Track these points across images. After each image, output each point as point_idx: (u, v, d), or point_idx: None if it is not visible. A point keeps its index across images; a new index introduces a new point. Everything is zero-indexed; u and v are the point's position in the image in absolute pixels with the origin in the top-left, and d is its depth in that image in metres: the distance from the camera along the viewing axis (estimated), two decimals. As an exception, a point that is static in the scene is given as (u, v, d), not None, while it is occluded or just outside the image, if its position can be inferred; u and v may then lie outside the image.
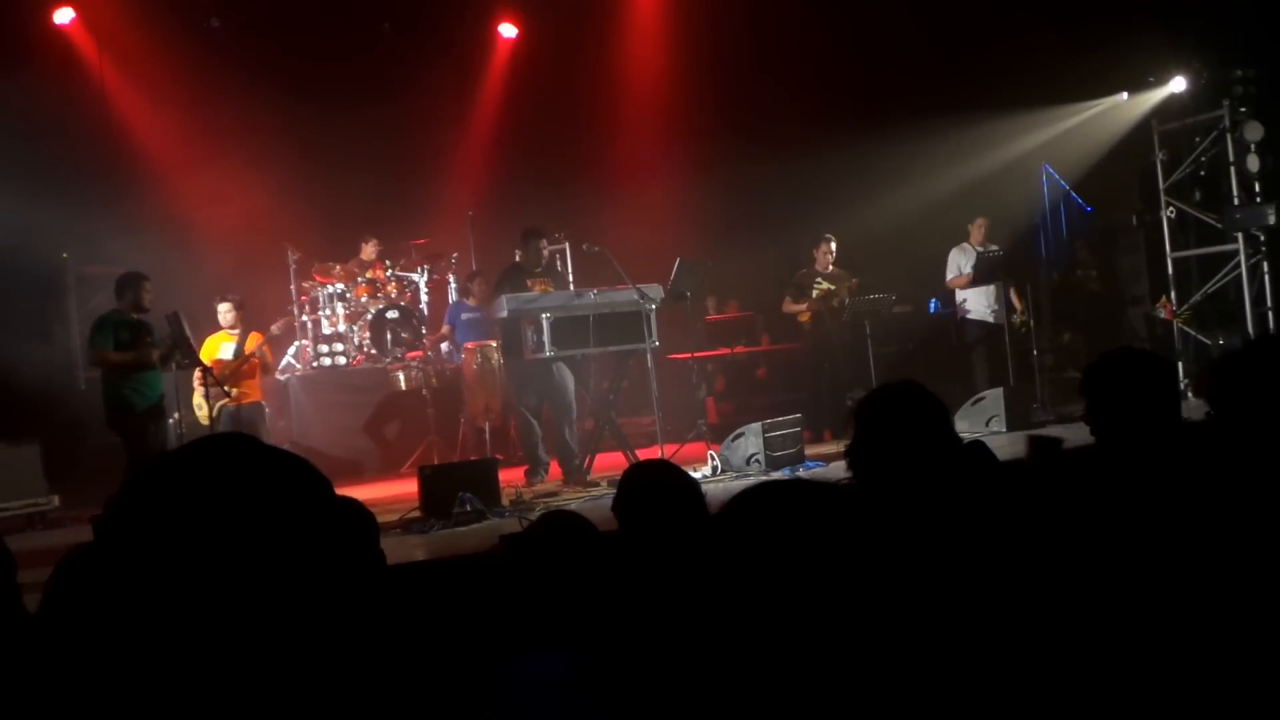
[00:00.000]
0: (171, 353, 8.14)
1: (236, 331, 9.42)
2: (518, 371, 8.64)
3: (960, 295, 10.81)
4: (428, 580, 5.33)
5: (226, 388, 9.02)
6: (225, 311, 9.47)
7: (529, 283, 8.66)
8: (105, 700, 1.04)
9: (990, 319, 10.61)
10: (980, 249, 10.69)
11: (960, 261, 10.78)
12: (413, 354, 11.16)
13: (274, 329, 9.90)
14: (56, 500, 9.14)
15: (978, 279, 10.55)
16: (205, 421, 9.15)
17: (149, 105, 11.68)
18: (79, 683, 1.05)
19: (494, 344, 10.21)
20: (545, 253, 9.04)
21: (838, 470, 7.52)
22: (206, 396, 9.08)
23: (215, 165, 11.53)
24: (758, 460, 8.05)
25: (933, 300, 12.24)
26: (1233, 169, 11.56)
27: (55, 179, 10.23)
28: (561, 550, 2.81)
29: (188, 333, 8.14)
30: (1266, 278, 11.48)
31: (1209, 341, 11.48)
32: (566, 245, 11.83)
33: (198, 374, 8.79)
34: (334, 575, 1.07)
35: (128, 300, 8.08)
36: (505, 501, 7.23)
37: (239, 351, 9.30)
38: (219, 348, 9.38)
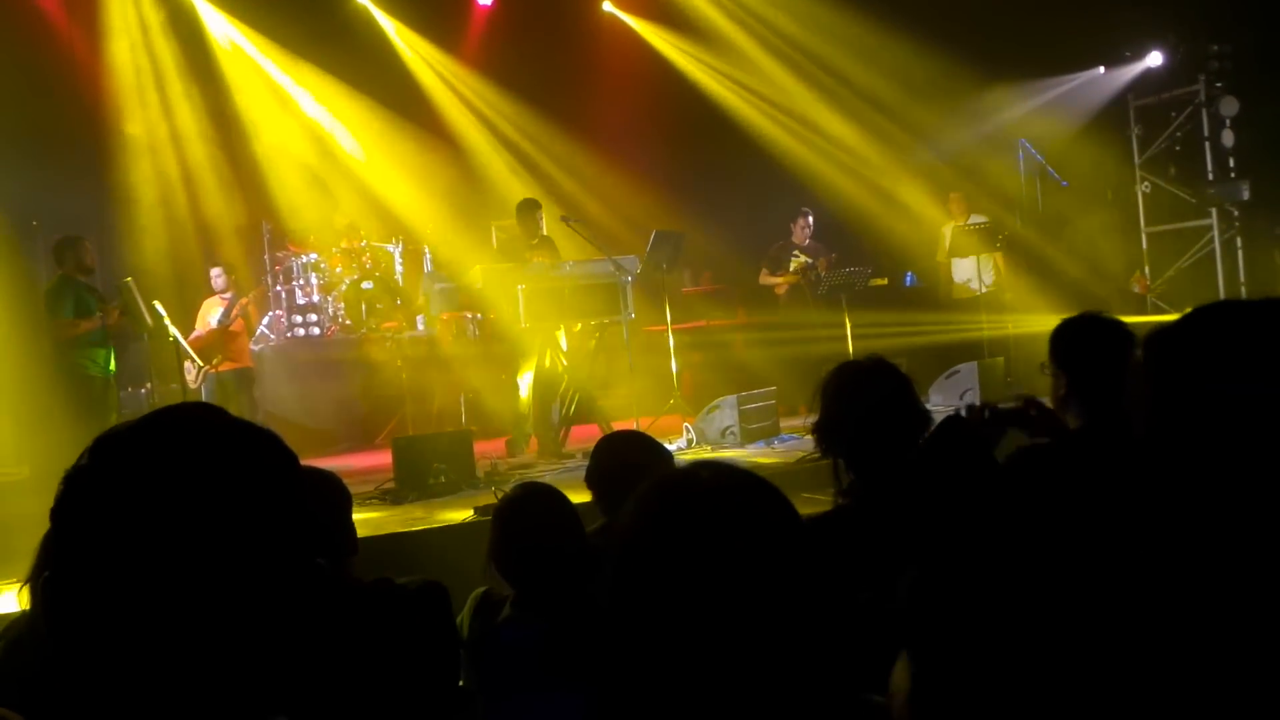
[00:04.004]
0: (123, 320, 8.08)
1: (229, 296, 9.49)
2: (516, 342, 8.58)
3: (956, 272, 10.84)
4: (402, 551, 5.33)
5: (196, 358, 9.01)
6: (216, 276, 9.60)
7: (527, 254, 8.60)
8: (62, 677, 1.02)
9: (970, 290, 10.64)
10: (961, 222, 10.71)
11: (945, 237, 10.84)
12: (387, 325, 11.10)
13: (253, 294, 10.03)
14: (26, 470, 9.06)
15: (954, 252, 10.60)
16: (192, 387, 9.16)
17: (120, 71, 11.51)
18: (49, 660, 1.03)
19: (468, 315, 10.16)
20: (543, 224, 8.97)
21: (810, 443, 7.55)
22: (185, 364, 9.12)
23: (187, 133, 11.43)
24: (732, 433, 8.06)
25: (909, 274, 12.25)
26: (1208, 144, 11.62)
27: (24, 146, 10.09)
28: (535, 521, 2.81)
29: (139, 302, 8.07)
30: (1240, 253, 11.56)
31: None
32: (543, 218, 11.78)
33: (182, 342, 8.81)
34: (295, 550, 1.06)
35: (70, 264, 8.00)
36: (480, 473, 7.21)
37: (224, 316, 9.35)
38: (211, 313, 9.49)
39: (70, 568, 1.00)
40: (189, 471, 1.02)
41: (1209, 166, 11.67)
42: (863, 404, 2.63)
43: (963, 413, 3.24)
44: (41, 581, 1.01)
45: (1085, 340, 2.97)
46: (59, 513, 1.02)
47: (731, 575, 1.18)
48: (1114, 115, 12.43)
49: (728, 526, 1.20)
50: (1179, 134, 11.90)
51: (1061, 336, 3.04)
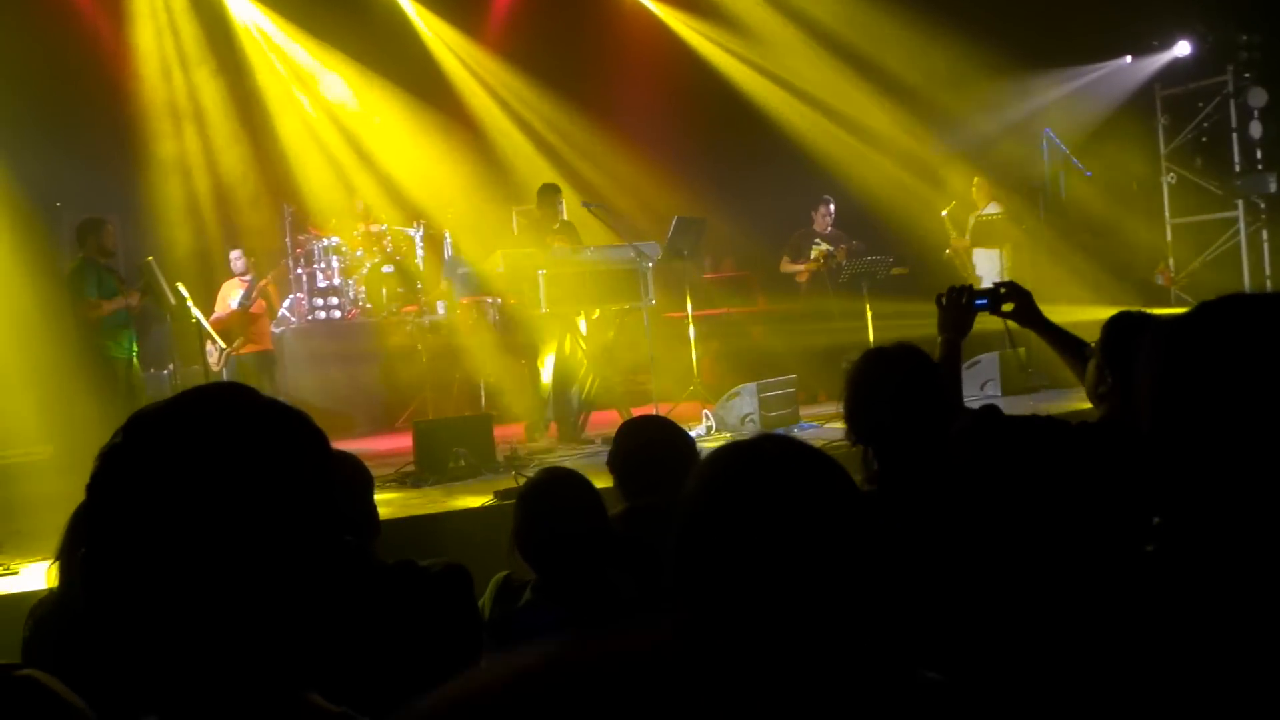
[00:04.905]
0: (144, 299, 8.15)
1: (248, 278, 9.54)
2: (536, 327, 8.59)
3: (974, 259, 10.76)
4: (422, 535, 5.34)
5: (219, 339, 9.06)
6: (236, 259, 9.64)
7: (548, 239, 8.60)
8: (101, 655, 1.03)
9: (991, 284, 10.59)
10: (980, 209, 10.63)
11: (962, 225, 10.75)
12: (408, 309, 11.13)
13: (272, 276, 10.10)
14: (49, 450, 9.13)
15: (974, 242, 10.52)
16: (214, 369, 9.21)
17: (144, 54, 11.56)
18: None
19: (489, 300, 10.18)
20: (563, 209, 8.98)
21: (831, 432, 7.53)
22: (207, 346, 9.17)
23: (211, 115, 11.47)
24: (752, 420, 8.05)
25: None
26: (1235, 135, 11.51)
27: (49, 128, 10.14)
28: (558, 506, 2.81)
29: (161, 280, 8.11)
30: (1266, 245, 11.46)
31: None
32: (563, 203, 11.78)
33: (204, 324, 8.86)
34: (325, 527, 1.06)
35: (92, 246, 8.04)
36: (499, 458, 7.23)
37: (245, 298, 9.40)
38: (231, 295, 9.55)
39: (106, 543, 1.01)
40: (222, 449, 1.02)
41: (1236, 158, 11.56)
42: (889, 391, 2.61)
43: (943, 300, 3.28)
44: (79, 557, 1.02)
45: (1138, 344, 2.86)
46: (95, 489, 1.03)
47: (795, 542, 1.21)
48: (1140, 105, 12.32)
49: (792, 494, 1.24)
50: (1206, 125, 11.79)
51: (1117, 335, 2.94)
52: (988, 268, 10.64)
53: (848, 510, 1.26)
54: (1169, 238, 12.04)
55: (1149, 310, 3.09)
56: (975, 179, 10.82)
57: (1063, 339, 3.36)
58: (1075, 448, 2.80)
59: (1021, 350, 9.74)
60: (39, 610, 2.51)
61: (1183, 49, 12.06)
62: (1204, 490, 1.34)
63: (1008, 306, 3.39)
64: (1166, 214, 12.11)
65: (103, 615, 1.01)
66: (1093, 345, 3.09)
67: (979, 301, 3.35)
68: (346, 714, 1.08)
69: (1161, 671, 1.28)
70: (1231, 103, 11.52)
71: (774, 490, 1.25)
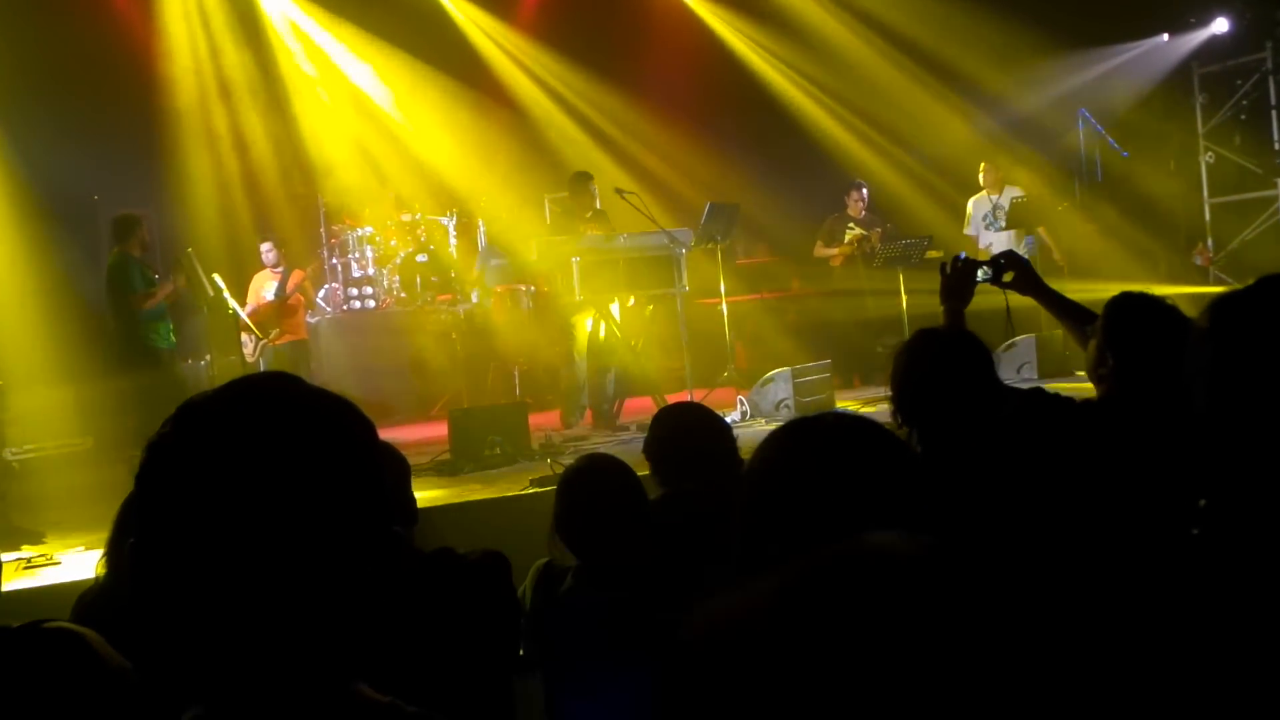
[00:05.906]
0: (185, 289, 8.24)
1: (280, 270, 9.59)
2: (569, 314, 8.59)
3: (985, 241, 10.58)
4: (458, 523, 5.37)
5: (256, 331, 9.11)
6: (267, 251, 9.68)
7: (581, 227, 8.60)
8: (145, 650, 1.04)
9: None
10: (997, 197, 10.42)
11: (980, 212, 10.53)
12: (442, 297, 11.16)
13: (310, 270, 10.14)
14: (90, 442, 9.23)
15: (1010, 226, 10.38)
16: (250, 360, 9.27)
17: (176, 48, 11.64)
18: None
19: (523, 287, 10.20)
20: (596, 196, 8.97)
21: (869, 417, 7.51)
22: (243, 337, 9.22)
23: (243, 106, 11.54)
24: (787, 406, 8.03)
25: (961, 254, 12.04)
26: (1274, 113, 11.34)
27: (86, 121, 10.24)
28: (600, 492, 2.81)
29: (200, 272, 8.18)
30: (1307, 224, 11.31)
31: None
32: (596, 189, 11.77)
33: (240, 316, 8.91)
34: (374, 517, 1.06)
35: (137, 241, 8.13)
36: (535, 445, 7.24)
37: (280, 290, 9.44)
38: (264, 287, 9.59)
39: (155, 534, 1.01)
40: (272, 439, 1.02)
41: (1275, 136, 11.40)
42: (941, 373, 2.57)
43: (947, 269, 3.29)
44: (127, 547, 1.03)
45: (1140, 327, 2.77)
46: (144, 480, 1.03)
47: (855, 500, 1.28)
48: (1178, 83, 12.16)
49: (851, 456, 1.33)
50: (1245, 102, 11.63)
51: (1116, 319, 2.86)
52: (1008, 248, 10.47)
53: (907, 473, 1.34)
54: (1207, 217, 11.88)
55: (1155, 290, 3.03)
56: (982, 164, 10.60)
57: (1066, 307, 3.33)
58: (1084, 424, 2.76)
59: (1058, 332, 9.65)
60: (85, 599, 2.53)
61: (1220, 26, 11.88)
62: (1262, 472, 1.32)
63: (1008, 276, 3.39)
64: (1205, 193, 11.94)
65: (150, 606, 1.01)
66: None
67: (981, 272, 3.39)
68: (394, 704, 1.08)
69: (1212, 652, 1.27)
70: (1270, 80, 11.35)
71: (836, 457, 1.33)
